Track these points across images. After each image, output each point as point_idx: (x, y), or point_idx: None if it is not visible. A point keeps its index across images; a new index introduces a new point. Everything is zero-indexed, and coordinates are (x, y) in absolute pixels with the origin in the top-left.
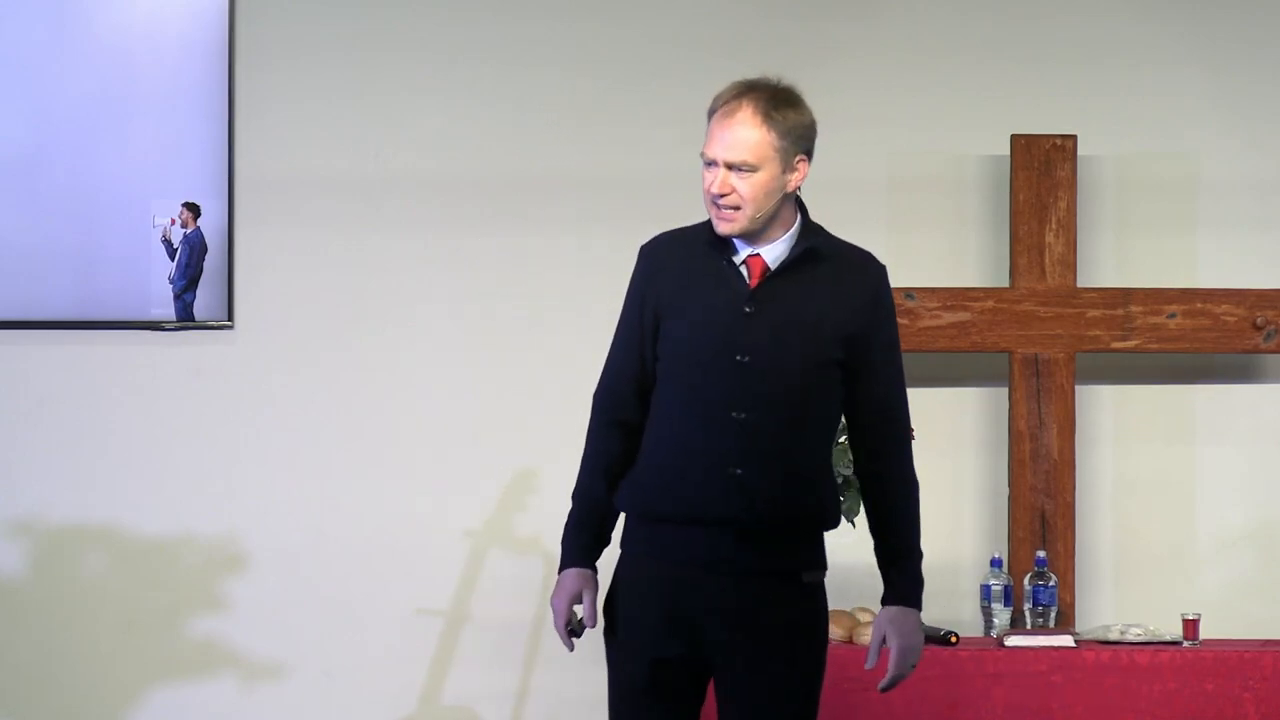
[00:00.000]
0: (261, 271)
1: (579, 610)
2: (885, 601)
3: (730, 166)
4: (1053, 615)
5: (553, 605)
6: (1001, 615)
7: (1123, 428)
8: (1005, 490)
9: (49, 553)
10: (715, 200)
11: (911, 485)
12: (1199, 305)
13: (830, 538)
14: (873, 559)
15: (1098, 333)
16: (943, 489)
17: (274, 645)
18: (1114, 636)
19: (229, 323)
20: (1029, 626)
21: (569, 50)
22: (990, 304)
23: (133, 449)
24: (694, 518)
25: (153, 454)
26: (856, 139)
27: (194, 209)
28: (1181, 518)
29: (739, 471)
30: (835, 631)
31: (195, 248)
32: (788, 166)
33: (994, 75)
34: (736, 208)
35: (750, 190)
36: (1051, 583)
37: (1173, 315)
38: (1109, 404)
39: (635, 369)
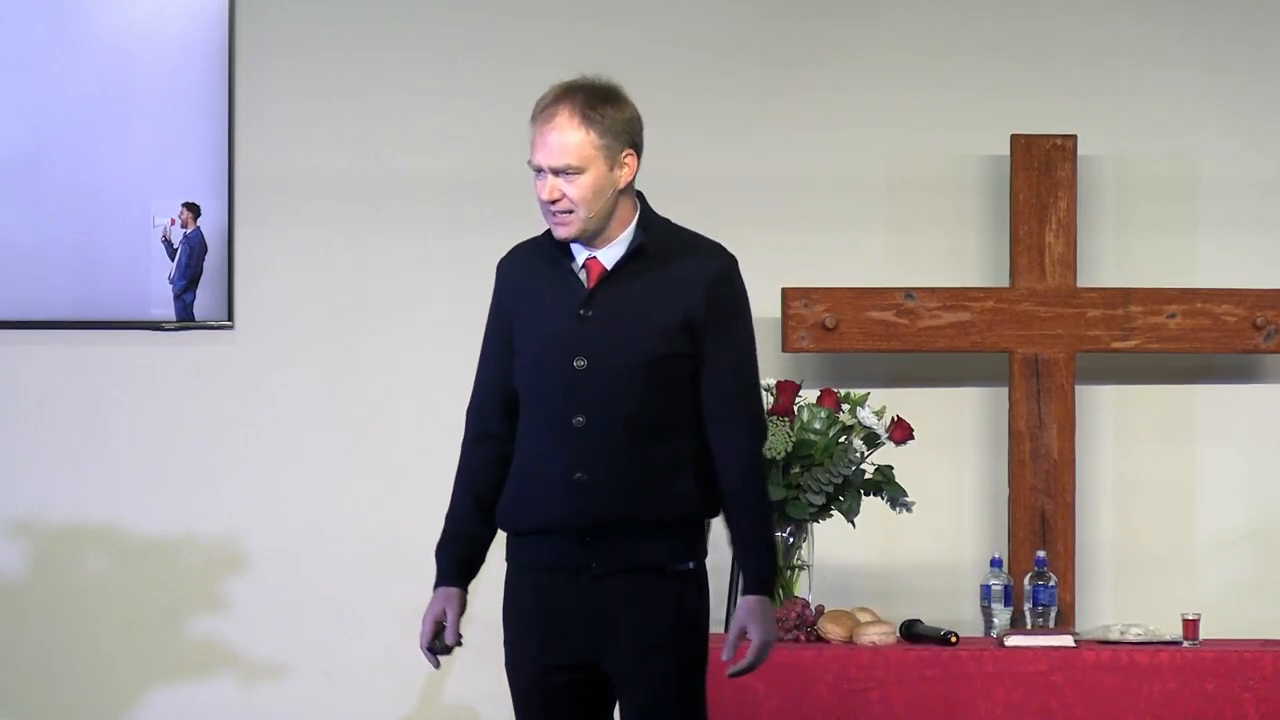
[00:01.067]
0: (261, 271)
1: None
2: (744, 592)
3: (556, 172)
4: (1053, 615)
5: (422, 620)
6: (1001, 615)
7: (1123, 428)
8: (1005, 490)
9: (49, 553)
10: (548, 207)
11: (756, 476)
12: (1199, 305)
13: (827, 539)
14: (872, 559)
15: (1098, 333)
16: (943, 489)
17: (274, 645)
18: (1114, 636)
19: (229, 323)
20: (1029, 626)
21: (569, 50)
22: (990, 304)
23: (133, 449)
24: (546, 527)
25: (153, 454)
26: (856, 139)
27: (194, 209)
28: (1181, 518)
29: (579, 476)
30: (835, 631)
31: (195, 248)
32: (615, 164)
33: (994, 75)
34: (569, 211)
35: (579, 193)
36: (1051, 583)
37: (1173, 315)
38: (1109, 404)
39: (497, 384)
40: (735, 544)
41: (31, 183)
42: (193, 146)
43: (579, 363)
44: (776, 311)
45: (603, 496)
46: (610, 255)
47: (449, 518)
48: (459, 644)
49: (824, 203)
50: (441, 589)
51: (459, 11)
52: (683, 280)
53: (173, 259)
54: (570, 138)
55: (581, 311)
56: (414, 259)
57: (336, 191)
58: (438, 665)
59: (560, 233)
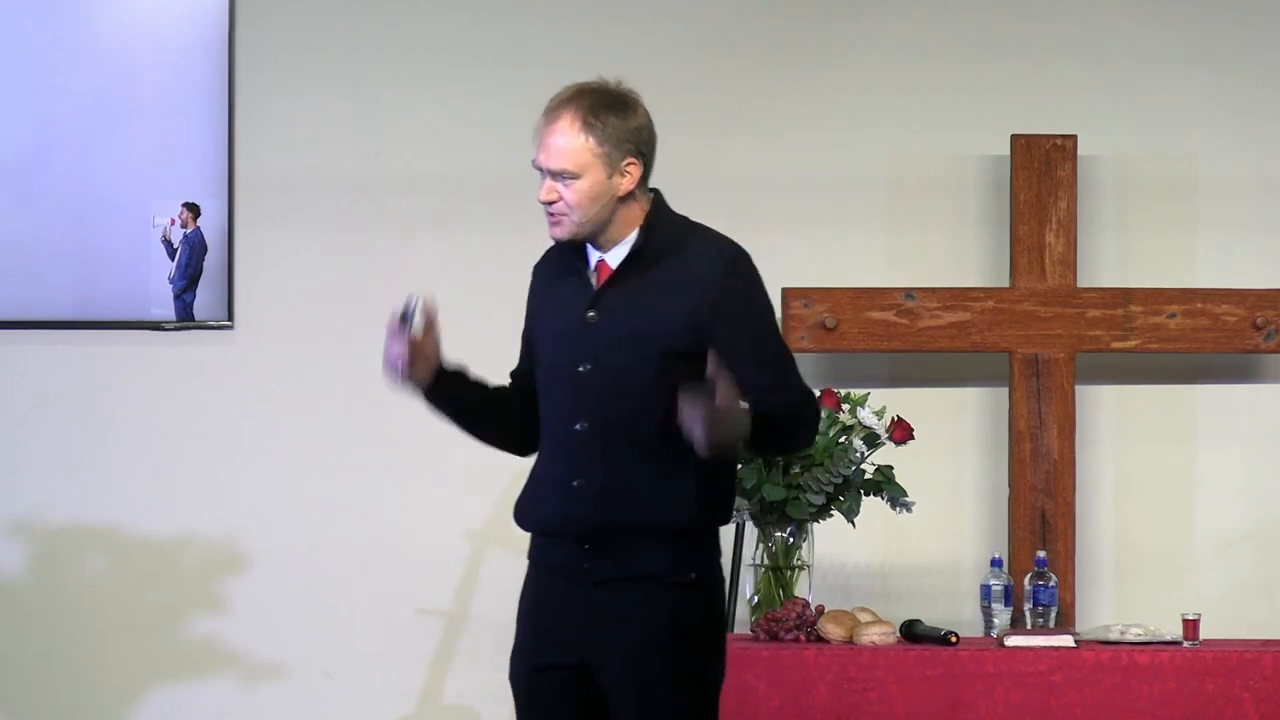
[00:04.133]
0: (261, 271)
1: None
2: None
3: (554, 175)
4: (1053, 615)
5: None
6: (1002, 615)
7: (1123, 428)
8: (1005, 490)
9: (49, 553)
10: (545, 207)
11: (794, 411)
12: (1199, 305)
13: (828, 539)
14: (872, 559)
15: (1098, 333)
16: (943, 489)
17: (274, 645)
18: (1114, 636)
19: (229, 323)
20: (1029, 626)
21: (569, 51)
22: (990, 304)
23: (132, 449)
24: (547, 530)
25: (153, 454)
26: (856, 139)
27: (194, 209)
28: (1181, 518)
29: (578, 483)
30: (836, 631)
31: (195, 248)
32: (615, 171)
33: (994, 75)
34: (564, 214)
35: (574, 197)
36: (1051, 583)
37: (1173, 315)
38: (1109, 404)
39: (523, 370)
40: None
41: (31, 183)
42: (193, 146)
43: (583, 367)
44: (777, 312)
45: (600, 503)
46: (616, 257)
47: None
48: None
49: (824, 203)
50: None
51: (459, 11)
52: (684, 279)
53: (173, 259)
54: (569, 143)
55: (589, 315)
56: (414, 259)
57: (336, 191)
58: (402, 321)
59: (554, 233)
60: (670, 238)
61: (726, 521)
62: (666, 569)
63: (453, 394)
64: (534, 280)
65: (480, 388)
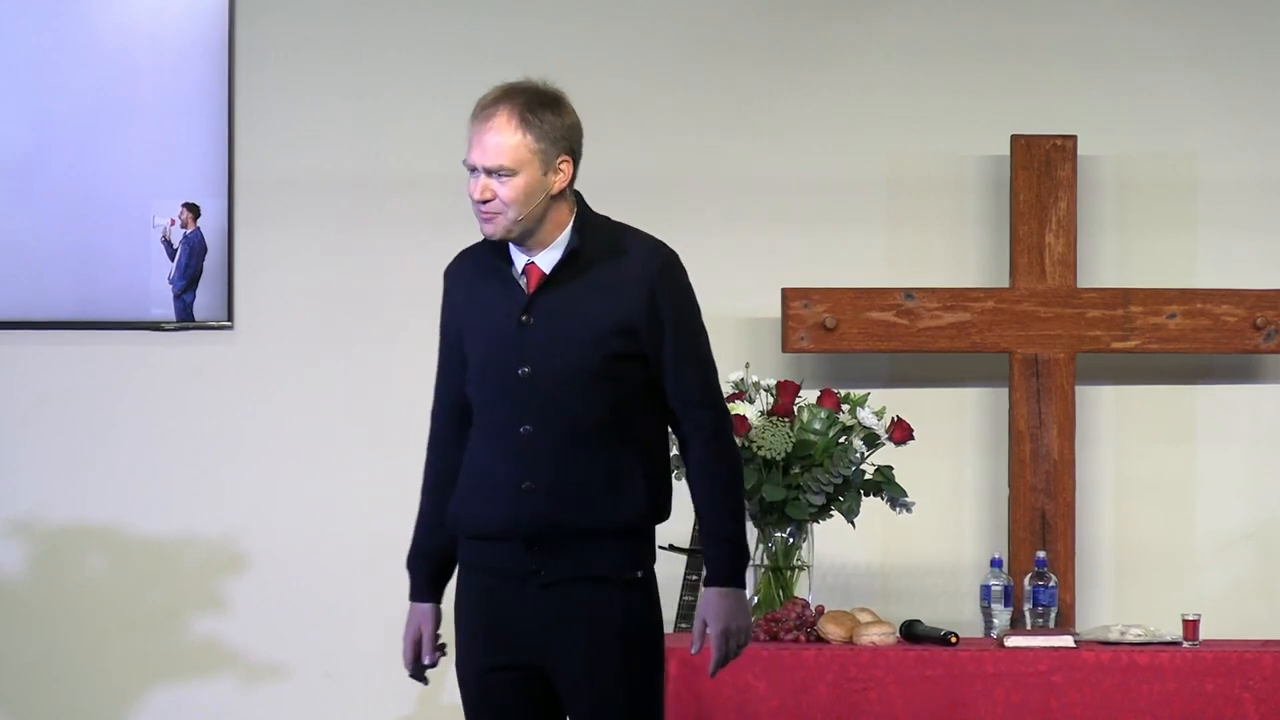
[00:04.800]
0: (261, 272)
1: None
2: (705, 584)
3: (489, 172)
4: (1053, 615)
5: (403, 638)
6: (1001, 615)
7: (1123, 428)
8: (1005, 491)
9: (49, 553)
10: (478, 206)
11: (722, 470)
12: (1199, 305)
13: (828, 539)
14: (872, 559)
15: (1098, 333)
16: (943, 489)
17: (274, 645)
18: (1114, 637)
19: (229, 323)
20: (1029, 627)
21: (568, 51)
22: (990, 304)
23: (132, 449)
24: (493, 533)
25: (152, 454)
26: (856, 140)
27: (194, 209)
28: (1181, 518)
29: (527, 485)
30: (835, 632)
31: (195, 248)
32: (549, 169)
33: (994, 76)
34: (498, 212)
35: (510, 194)
36: (1051, 583)
37: (1173, 315)
38: (1109, 404)
39: (451, 391)
40: (703, 534)
41: (31, 183)
42: (193, 147)
43: (523, 370)
44: (776, 312)
45: (550, 505)
46: (548, 260)
47: (418, 529)
48: (443, 654)
49: (824, 203)
50: (416, 606)
51: (459, 11)
52: (619, 282)
53: (172, 259)
54: (506, 140)
55: (523, 318)
56: (413, 259)
57: (336, 192)
58: (426, 682)
59: (486, 229)
60: (602, 239)
61: (667, 518)
62: (617, 568)
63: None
64: (449, 286)
65: (452, 548)
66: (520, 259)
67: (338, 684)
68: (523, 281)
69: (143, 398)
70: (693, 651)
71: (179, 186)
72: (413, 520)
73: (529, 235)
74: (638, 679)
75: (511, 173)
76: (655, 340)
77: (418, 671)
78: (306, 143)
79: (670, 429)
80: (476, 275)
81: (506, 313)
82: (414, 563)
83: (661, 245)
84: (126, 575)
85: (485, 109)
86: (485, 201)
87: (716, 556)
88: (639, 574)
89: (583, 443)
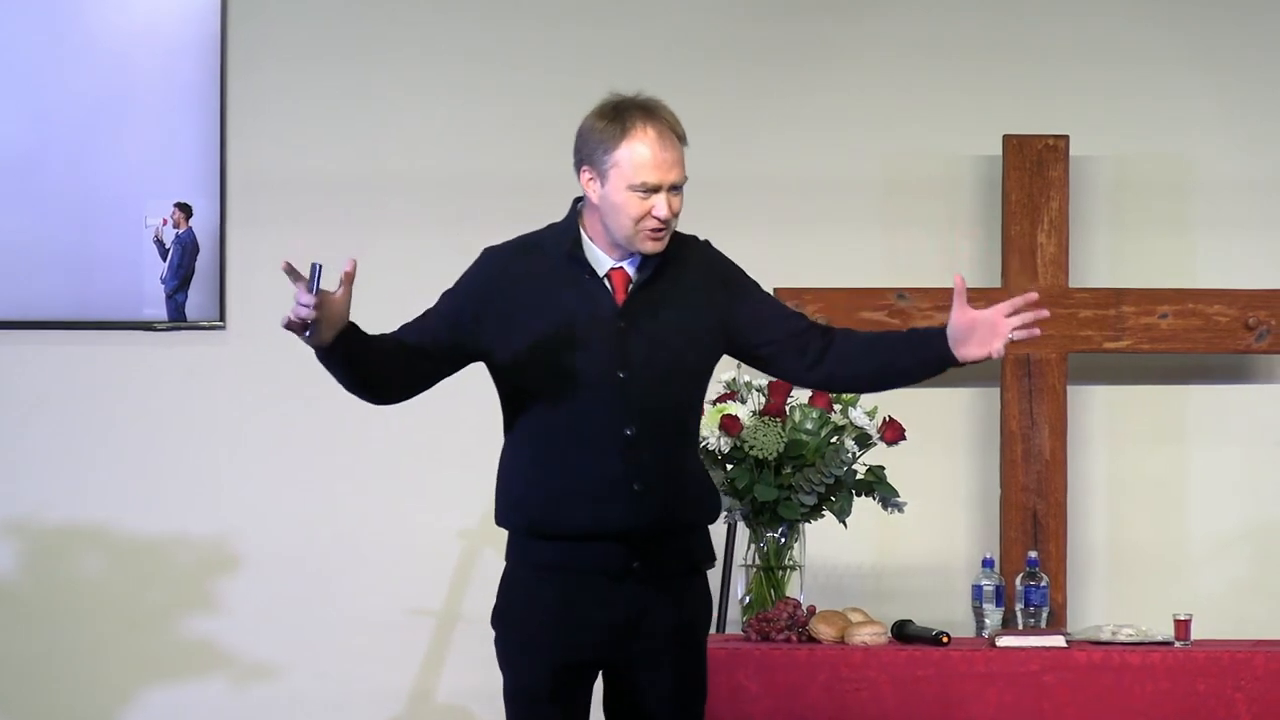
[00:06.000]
0: (253, 272)
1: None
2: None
3: (673, 188)
4: (1044, 615)
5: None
6: (993, 615)
7: (1115, 428)
8: (997, 491)
9: (43, 553)
10: (656, 223)
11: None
12: (1191, 305)
13: (819, 539)
14: (864, 559)
15: (1090, 333)
16: (935, 489)
17: (268, 645)
18: (1106, 637)
19: (221, 323)
20: (1021, 627)
21: (563, 52)
22: (982, 304)
23: (125, 449)
24: (603, 533)
25: (145, 454)
26: (849, 140)
27: (186, 209)
28: (1173, 518)
29: (636, 487)
30: (827, 632)
31: (187, 248)
32: None
33: (986, 76)
34: (669, 228)
35: (679, 207)
36: (1043, 583)
37: (1165, 315)
38: (1101, 404)
39: (429, 343)
40: (904, 342)
41: (25, 183)
42: (185, 147)
43: (622, 374)
44: None
45: (658, 504)
46: (632, 266)
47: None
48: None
49: (817, 203)
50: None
51: (452, 12)
52: (697, 283)
53: (165, 259)
54: (678, 154)
55: (620, 324)
56: (406, 258)
57: (328, 192)
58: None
59: (654, 247)
60: (669, 245)
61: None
62: (702, 558)
63: (350, 351)
64: (495, 272)
65: (370, 342)
66: (604, 263)
67: (330, 684)
68: (608, 285)
69: (135, 398)
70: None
71: (171, 186)
72: (406, 519)
73: (621, 247)
74: (704, 665)
75: (683, 185)
76: (744, 308)
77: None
78: (298, 143)
79: (784, 363)
80: (540, 273)
81: (595, 316)
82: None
83: (693, 237)
84: (120, 575)
85: (654, 119)
86: (667, 221)
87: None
88: (712, 564)
89: (678, 443)
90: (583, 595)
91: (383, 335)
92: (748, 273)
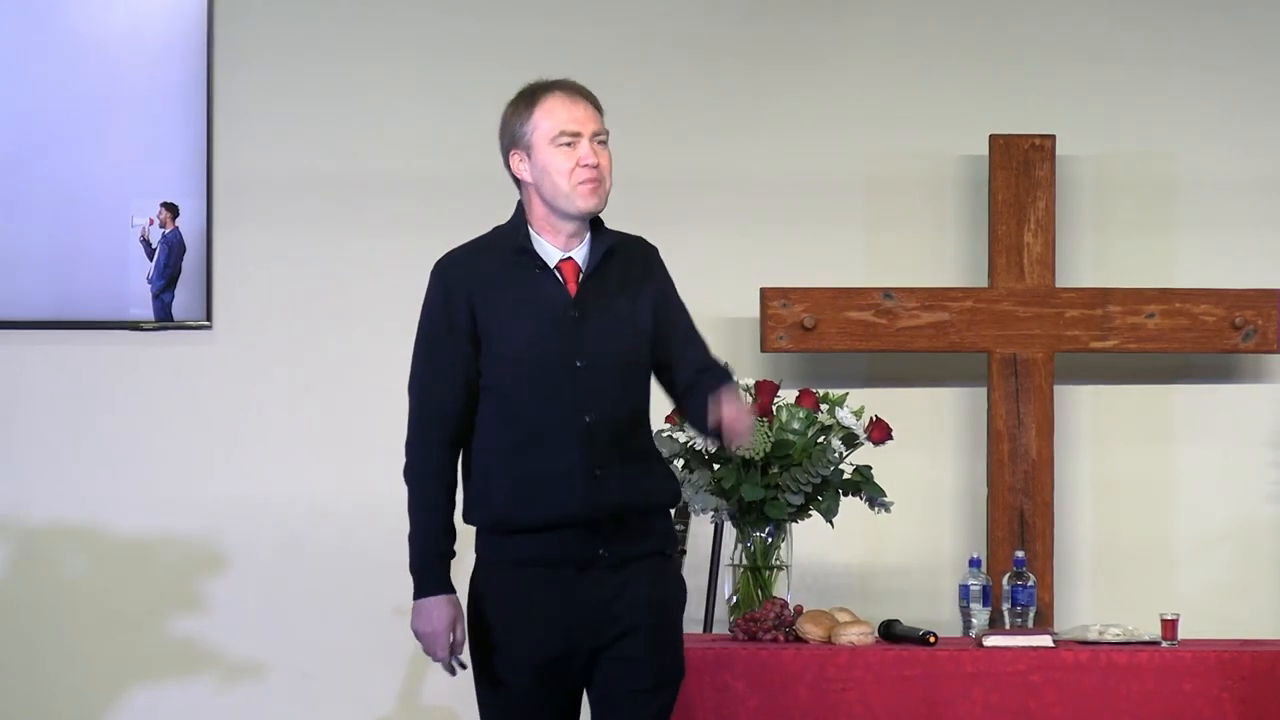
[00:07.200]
0: (240, 272)
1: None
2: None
3: (597, 139)
4: (1031, 615)
5: (431, 633)
6: (980, 615)
7: (1101, 428)
8: (984, 490)
9: (27, 552)
10: (586, 172)
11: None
12: (1177, 305)
13: (806, 539)
14: (850, 559)
15: (1076, 333)
16: (921, 489)
17: (253, 645)
18: (1092, 636)
19: (207, 323)
20: (1007, 626)
21: (549, 51)
22: (969, 304)
23: (111, 449)
24: (566, 522)
25: (131, 454)
26: (834, 139)
27: (173, 209)
28: (1160, 518)
29: (599, 472)
30: (814, 631)
31: (174, 248)
32: None
33: (972, 75)
34: (601, 180)
35: (607, 163)
36: (1030, 583)
37: (1151, 315)
38: (1088, 404)
39: (462, 388)
40: (706, 391)
41: (10, 182)
42: (172, 146)
43: (580, 363)
44: (755, 311)
45: (618, 489)
46: (580, 256)
47: (437, 524)
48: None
49: (803, 203)
50: (448, 598)
51: (437, 12)
52: (639, 276)
53: (151, 259)
54: (596, 111)
55: (573, 313)
56: (393, 259)
57: (315, 192)
58: (465, 666)
59: (590, 202)
60: (613, 237)
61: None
62: (666, 542)
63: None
64: (457, 284)
65: (453, 539)
66: (553, 255)
67: (316, 684)
68: (558, 275)
69: (121, 398)
70: (713, 422)
71: (158, 186)
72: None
73: (566, 235)
74: (681, 642)
75: (606, 139)
76: (667, 321)
77: (455, 662)
78: (285, 143)
79: (671, 390)
80: (497, 270)
81: (549, 306)
82: (437, 558)
83: (643, 239)
84: (105, 575)
85: (561, 86)
86: (597, 165)
87: (722, 380)
88: (675, 548)
89: (634, 427)
90: (551, 588)
91: (447, 474)
92: (677, 298)
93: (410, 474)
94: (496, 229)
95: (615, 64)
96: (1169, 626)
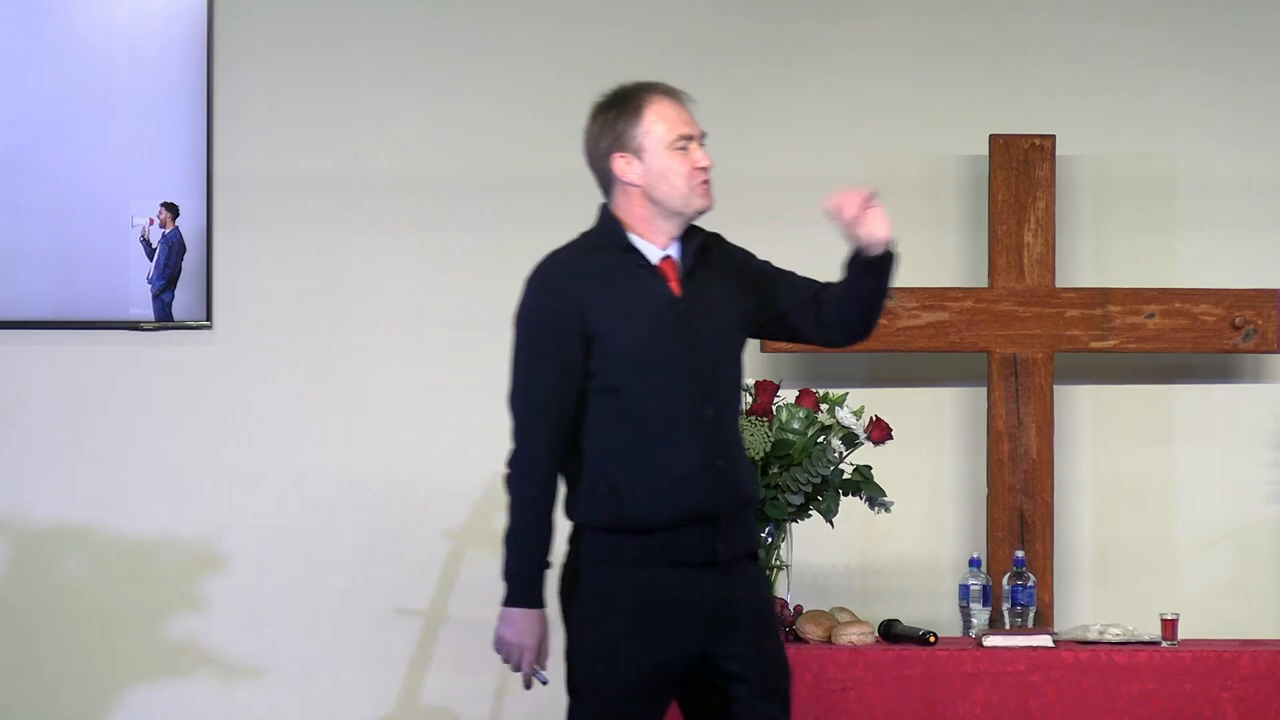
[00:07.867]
0: (240, 272)
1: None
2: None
3: (701, 137)
4: (1031, 615)
5: (522, 645)
6: (980, 615)
7: (1101, 428)
8: (984, 490)
9: (27, 553)
10: (702, 174)
11: None
12: (1177, 305)
13: (806, 539)
14: (850, 559)
15: (1076, 333)
16: (922, 489)
17: (253, 646)
18: (1092, 636)
19: (207, 323)
20: (1007, 626)
21: (547, 51)
22: (969, 304)
23: (111, 449)
24: (698, 516)
25: (131, 454)
26: (834, 139)
27: (173, 209)
28: (1160, 518)
29: (720, 464)
30: (814, 631)
31: (174, 248)
32: None
33: (972, 75)
34: (709, 180)
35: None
36: (1030, 583)
37: (1151, 315)
38: (1087, 404)
39: (572, 393)
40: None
41: (10, 183)
42: (172, 147)
43: (693, 357)
44: None
45: (737, 482)
46: (677, 254)
47: (545, 533)
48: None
49: (802, 203)
50: (539, 613)
51: (439, 12)
52: (721, 264)
53: (151, 259)
54: (692, 110)
55: (682, 308)
56: (393, 259)
57: (315, 192)
58: (546, 682)
59: (705, 202)
60: (695, 230)
61: None
62: (757, 543)
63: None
64: (560, 289)
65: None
66: (655, 254)
67: (316, 684)
68: (661, 273)
69: (121, 398)
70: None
71: (158, 186)
72: (393, 519)
73: (664, 235)
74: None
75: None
76: (764, 275)
77: (534, 676)
78: (285, 143)
79: (805, 320)
80: (602, 274)
81: (656, 303)
82: (538, 568)
83: (711, 232)
84: (105, 575)
85: (662, 89)
86: (708, 167)
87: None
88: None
89: (737, 421)
90: (667, 590)
91: (553, 483)
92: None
93: (516, 482)
94: (587, 232)
95: (615, 64)
96: (1169, 626)
